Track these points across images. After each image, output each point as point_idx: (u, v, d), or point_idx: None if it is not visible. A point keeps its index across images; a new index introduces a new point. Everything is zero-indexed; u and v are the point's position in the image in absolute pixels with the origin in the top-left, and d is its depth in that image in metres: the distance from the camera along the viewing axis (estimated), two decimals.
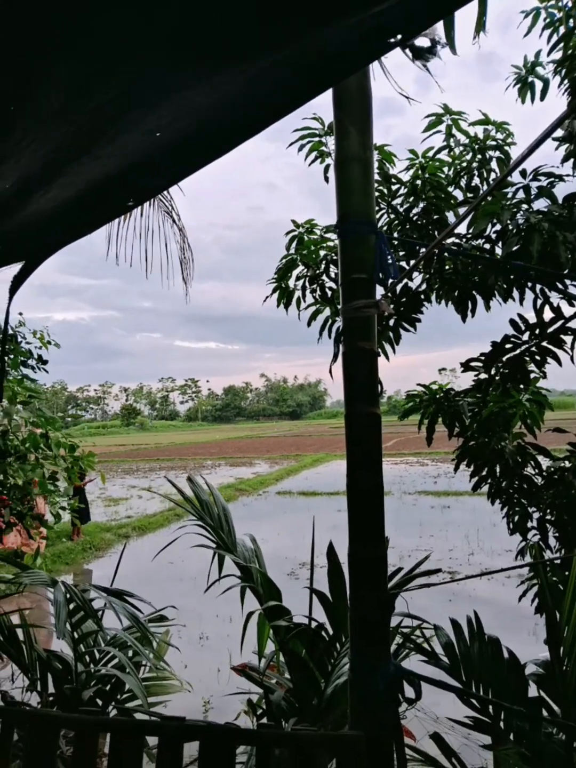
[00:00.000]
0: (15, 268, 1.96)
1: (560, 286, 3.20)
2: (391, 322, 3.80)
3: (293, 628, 2.70)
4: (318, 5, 0.93)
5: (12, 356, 5.37)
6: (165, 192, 4.23)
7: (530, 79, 3.94)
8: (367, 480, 1.99)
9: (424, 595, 7.46)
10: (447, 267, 3.71)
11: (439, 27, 2.11)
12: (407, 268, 3.71)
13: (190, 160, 1.41)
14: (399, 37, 1.08)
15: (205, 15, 0.92)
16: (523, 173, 3.41)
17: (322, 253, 4.02)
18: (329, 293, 4.00)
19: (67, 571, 10.74)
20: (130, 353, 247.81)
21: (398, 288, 3.82)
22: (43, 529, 8.96)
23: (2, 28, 0.87)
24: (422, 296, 3.82)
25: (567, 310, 3.15)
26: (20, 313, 5.82)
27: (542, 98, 3.97)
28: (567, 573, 2.57)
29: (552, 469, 3.36)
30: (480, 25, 3.15)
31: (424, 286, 3.80)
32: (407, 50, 1.83)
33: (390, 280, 2.19)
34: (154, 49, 0.99)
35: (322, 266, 3.99)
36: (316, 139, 3.84)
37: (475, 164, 3.91)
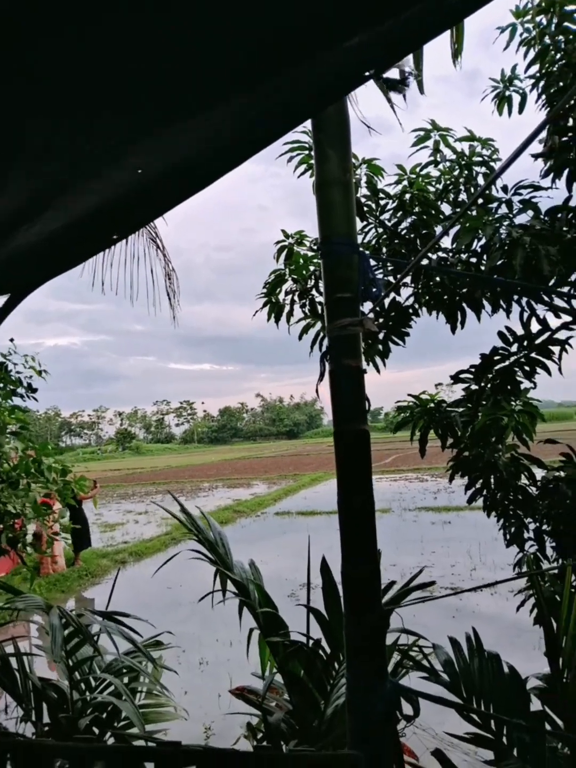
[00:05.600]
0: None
1: (546, 298, 3.23)
2: (381, 336, 3.82)
3: (289, 645, 2.67)
4: (290, 45, 0.96)
5: (1, 386, 5.37)
6: None
7: (508, 92, 4.00)
8: (357, 497, 1.99)
9: (427, 613, 7.45)
10: (437, 279, 3.75)
11: (411, 59, 2.16)
12: (394, 283, 3.75)
13: (172, 195, 1.43)
14: (372, 71, 1.11)
15: (185, 58, 0.95)
16: (505, 188, 3.47)
17: (311, 267, 4.05)
18: (319, 308, 4.02)
19: (63, 599, 10.61)
20: (124, 377, 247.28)
21: (387, 302, 3.85)
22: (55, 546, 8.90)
23: None
24: (411, 310, 3.85)
25: (553, 322, 3.18)
26: (11, 340, 5.80)
27: (520, 111, 4.02)
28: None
29: (546, 479, 3.37)
30: (457, 53, 3.23)
31: (412, 301, 3.83)
32: (381, 82, 1.87)
33: (375, 298, 2.21)
34: (136, 90, 1.01)
35: (312, 281, 4.01)
36: (306, 152, 3.86)
37: (462, 180, 3.96)
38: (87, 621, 3.14)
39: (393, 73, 2.13)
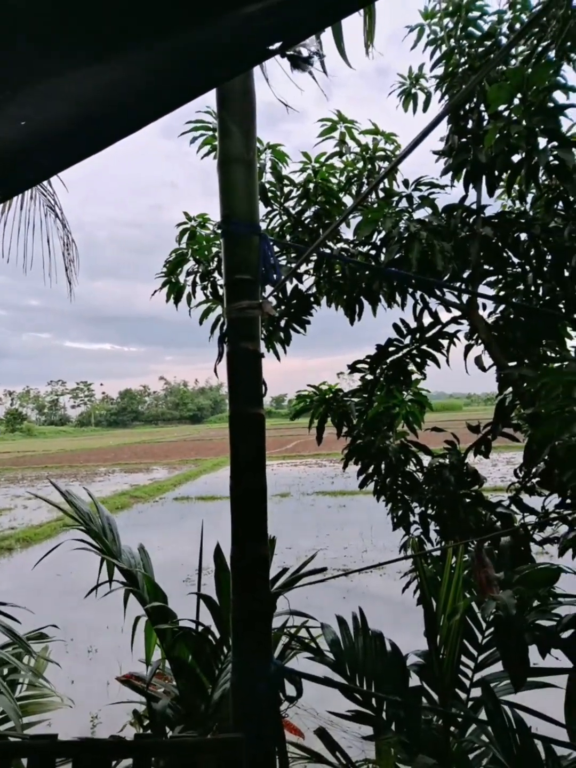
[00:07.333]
0: None
1: (438, 292, 3.36)
2: (283, 323, 3.83)
3: (177, 632, 2.64)
4: (186, 6, 0.92)
5: None
6: (47, 185, 4.04)
7: (414, 90, 4.08)
8: (249, 481, 1.98)
9: (321, 594, 7.60)
10: (337, 271, 3.79)
11: (317, 39, 2.16)
12: (297, 270, 3.76)
13: (62, 154, 1.34)
14: (277, 45, 1.09)
15: (79, 5, 0.88)
16: (406, 183, 3.56)
17: (213, 249, 3.97)
18: (221, 291, 3.97)
19: None
20: (16, 354, 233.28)
21: (290, 289, 3.86)
22: None
23: None
24: (312, 299, 3.89)
25: (444, 316, 3.32)
26: None
27: (425, 110, 4.12)
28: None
29: (432, 465, 3.53)
30: (370, 37, 3.26)
31: (314, 289, 3.86)
32: (285, 59, 1.86)
33: (275, 282, 2.20)
34: (21, 34, 0.94)
35: (214, 263, 3.94)
36: (210, 133, 3.76)
37: (365, 173, 4.02)
38: None
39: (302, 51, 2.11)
